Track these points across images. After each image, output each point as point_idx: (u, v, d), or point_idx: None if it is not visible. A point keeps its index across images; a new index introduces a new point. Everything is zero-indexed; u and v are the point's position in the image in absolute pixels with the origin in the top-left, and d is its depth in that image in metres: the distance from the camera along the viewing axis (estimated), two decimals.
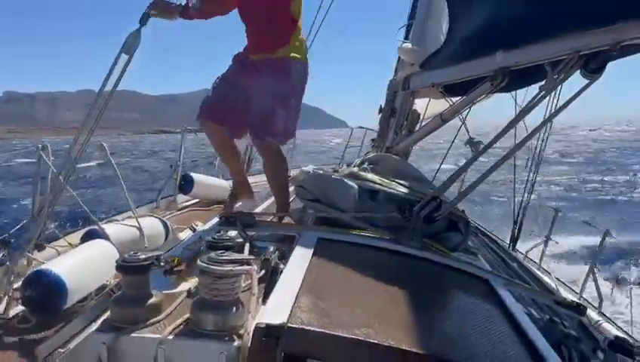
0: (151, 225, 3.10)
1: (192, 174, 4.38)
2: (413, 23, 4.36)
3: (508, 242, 4.72)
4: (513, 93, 3.74)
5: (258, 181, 5.77)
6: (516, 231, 4.88)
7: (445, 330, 1.63)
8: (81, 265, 2.23)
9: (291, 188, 4.01)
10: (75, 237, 2.97)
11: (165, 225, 3.27)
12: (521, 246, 4.88)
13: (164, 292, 1.66)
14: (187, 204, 4.39)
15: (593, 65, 2.07)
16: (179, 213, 4.07)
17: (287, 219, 2.80)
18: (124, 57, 2.63)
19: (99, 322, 1.51)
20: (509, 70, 2.76)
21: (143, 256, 1.50)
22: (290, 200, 3.44)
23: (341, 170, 4.43)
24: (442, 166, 4.98)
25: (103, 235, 2.65)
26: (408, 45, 4.04)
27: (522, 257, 4.04)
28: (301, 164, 6.01)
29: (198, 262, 1.45)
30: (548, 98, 2.90)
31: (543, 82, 2.51)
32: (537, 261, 4.31)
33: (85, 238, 2.68)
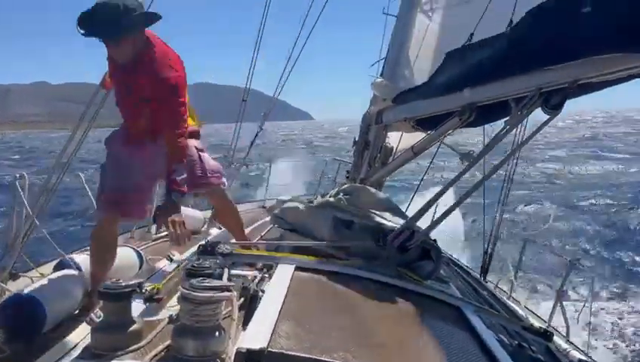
0: (125, 255, 3.09)
1: None
2: (387, 58, 4.54)
3: (479, 272, 4.83)
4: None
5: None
6: (487, 261, 5.00)
7: (419, 356, 1.68)
8: (55, 293, 2.22)
9: (268, 218, 4.06)
10: (48, 267, 2.94)
11: (139, 255, 3.25)
12: (492, 277, 5.00)
13: (145, 319, 1.68)
14: (162, 234, 4.37)
15: (553, 102, 2.21)
16: (153, 243, 4.04)
17: (262, 248, 2.84)
18: None
19: (79, 349, 1.52)
20: (476, 106, 2.91)
21: (125, 283, 1.52)
22: (267, 229, 3.49)
23: (316, 200, 4.51)
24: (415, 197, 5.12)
25: (74, 265, 2.64)
26: (382, 81, 4.19)
27: (493, 287, 4.14)
28: (276, 195, 6.07)
29: (180, 288, 1.48)
30: (515, 129, 3.07)
31: (508, 118, 2.67)
32: (507, 290, 4.42)
33: (57, 268, 2.66)
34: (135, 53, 2.41)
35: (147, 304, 1.87)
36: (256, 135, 5.80)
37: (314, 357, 1.41)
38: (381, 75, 4.67)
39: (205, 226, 4.62)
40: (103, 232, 2.62)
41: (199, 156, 2.84)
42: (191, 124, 2.78)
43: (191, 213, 4.77)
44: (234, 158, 5.52)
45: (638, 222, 12.67)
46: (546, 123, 2.32)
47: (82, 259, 2.79)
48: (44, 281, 2.58)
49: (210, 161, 2.94)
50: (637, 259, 10.03)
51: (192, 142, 2.80)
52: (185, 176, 2.48)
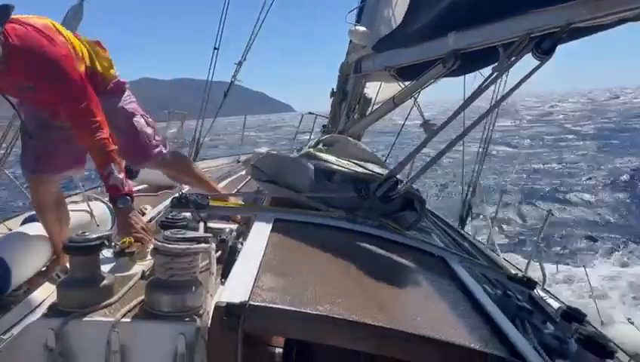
0: (96, 208, 2.96)
1: None
2: (365, 5, 4.35)
3: (457, 223, 4.84)
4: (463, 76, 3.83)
5: (206, 166, 5.65)
6: (465, 212, 5.02)
7: (406, 305, 1.63)
8: (21, 248, 2.10)
9: (244, 171, 3.95)
10: (15, 222, 2.80)
11: (111, 210, 3.13)
12: (469, 228, 5.03)
13: (116, 274, 1.58)
14: (134, 189, 4.23)
15: (545, 47, 2.11)
16: None
17: (239, 200, 2.74)
18: None
19: (44, 307, 1.42)
20: (461, 53, 2.80)
21: (93, 236, 1.41)
22: (245, 181, 3.38)
23: (293, 154, 4.39)
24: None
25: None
26: (360, 27, 4.03)
27: (471, 237, 4.16)
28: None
29: (153, 240, 1.38)
30: (496, 82, 2.98)
31: (494, 64, 2.57)
32: (485, 241, 4.45)
33: (26, 223, 2.53)
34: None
35: (118, 258, 1.76)
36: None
37: (298, 309, 1.33)
38: (357, 21, 4.50)
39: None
40: (37, 194, 2.47)
41: (133, 125, 2.56)
42: (111, 74, 2.53)
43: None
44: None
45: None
46: (535, 69, 2.23)
47: None
48: (10, 236, 2.45)
49: (144, 126, 2.62)
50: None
51: (121, 104, 2.53)
52: (122, 176, 2.14)
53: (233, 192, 3.04)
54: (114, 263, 1.75)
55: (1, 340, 1.34)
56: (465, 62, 2.86)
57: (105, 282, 1.42)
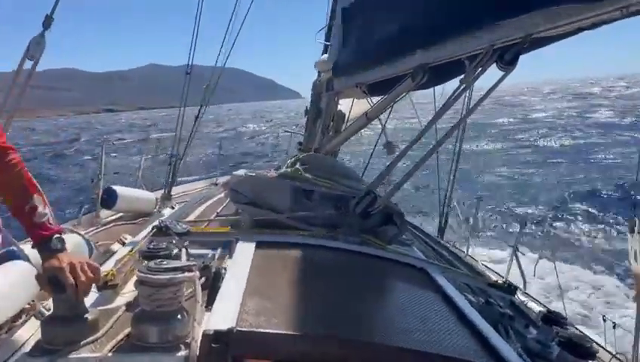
0: (72, 242, 2.91)
1: (115, 187, 4.17)
2: (333, 24, 4.43)
3: (436, 234, 4.91)
4: (432, 89, 3.91)
5: (183, 191, 5.62)
6: (442, 222, 5.09)
7: (391, 319, 1.66)
8: (1, 287, 2.05)
9: (222, 195, 3.94)
10: None
11: (88, 242, 3.08)
12: (448, 237, 5.11)
13: (100, 308, 1.57)
14: (111, 218, 4.18)
15: (508, 57, 2.19)
16: (103, 228, 3.86)
17: (219, 225, 2.73)
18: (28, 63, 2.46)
19: (29, 346, 1.40)
20: (429, 67, 2.87)
21: None
22: (224, 204, 3.38)
23: (271, 173, 4.40)
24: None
25: (22, 256, 2.44)
26: (322, 58, 4.13)
27: (451, 246, 4.22)
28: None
29: (137, 272, 1.38)
30: (464, 95, 3.06)
31: (461, 76, 2.64)
32: (464, 250, 4.51)
33: (2, 260, 2.47)
34: None
35: (101, 292, 1.75)
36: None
37: (284, 332, 1.35)
38: (326, 39, 4.58)
39: (157, 207, 4.45)
40: None
41: None
42: None
43: (141, 195, 4.60)
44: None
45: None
46: (501, 80, 2.31)
47: (30, 249, 2.61)
48: None
49: None
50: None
51: None
52: (47, 211, 1.60)
53: (212, 217, 3.03)
54: (97, 296, 1.74)
55: None
56: (433, 76, 2.94)
57: (90, 317, 1.41)
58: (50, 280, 1.40)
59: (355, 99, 4.40)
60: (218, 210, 3.33)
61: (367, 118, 3.66)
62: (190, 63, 5.06)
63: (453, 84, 3.34)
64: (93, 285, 1.66)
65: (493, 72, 2.47)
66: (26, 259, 2.47)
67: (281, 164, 6.14)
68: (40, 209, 1.58)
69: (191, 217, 3.16)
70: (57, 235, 1.57)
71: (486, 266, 4.05)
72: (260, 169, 6.36)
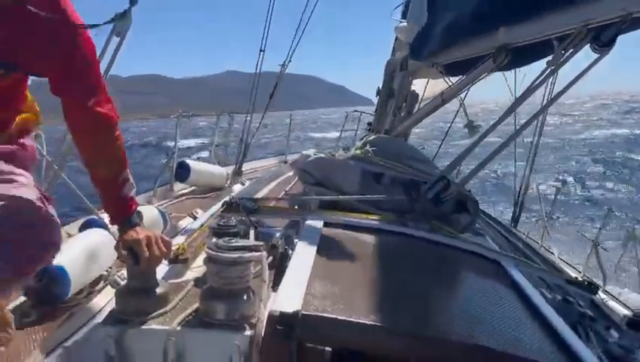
0: (148, 214, 3.02)
1: (188, 161, 4.30)
2: (411, 1, 4.28)
3: (509, 222, 4.70)
4: (513, 71, 3.70)
5: (252, 168, 5.71)
6: (517, 211, 4.87)
7: (461, 313, 1.58)
8: (81, 254, 2.16)
9: (291, 173, 3.96)
10: (74, 227, 2.89)
11: (163, 214, 3.19)
12: (522, 227, 4.88)
13: (170, 281, 1.61)
14: (184, 191, 4.32)
15: (604, 38, 2.01)
16: (176, 201, 3.99)
17: (287, 204, 2.74)
18: (115, 40, 2.51)
19: (104, 314, 1.46)
20: (512, 47, 2.70)
21: None
22: (292, 183, 3.39)
23: (338, 153, 4.37)
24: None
25: (102, 224, 2.56)
26: (405, 24, 3.96)
27: (524, 237, 4.02)
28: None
29: (206, 249, 1.39)
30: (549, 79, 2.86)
31: (547, 58, 2.46)
32: (539, 241, 4.30)
33: (83, 228, 2.60)
34: None
35: (171, 265, 1.79)
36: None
37: (350, 318, 1.32)
38: (403, 16, 4.43)
39: (228, 182, 4.55)
40: None
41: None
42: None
43: (213, 170, 4.71)
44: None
45: None
46: (594, 63, 2.13)
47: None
48: (69, 242, 2.53)
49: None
50: None
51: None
52: (133, 185, 1.61)
53: (281, 195, 3.05)
54: (167, 269, 1.78)
55: (64, 348, 1.38)
56: (516, 56, 2.77)
57: (160, 290, 1.45)
58: (128, 252, 1.45)
59: (431, 80, 4.25)
60: (286, 189, 3.35)
61: (443, 100, 3.52)
62: (257, 80, 4.99)
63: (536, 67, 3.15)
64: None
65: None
66: (105, 227, 2.60)
67: (350, 145, 6.10)
68: (131, 180, 1.60)
69: (259, 194, 3.20)
70: (137, 210, 1.60)
71: (564, 261, 3.83)
72: (328, 149, 6.37)
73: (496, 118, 2.43)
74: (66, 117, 1.55)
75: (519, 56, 2.78)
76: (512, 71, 3.72)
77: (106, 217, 2.67)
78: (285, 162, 6.18)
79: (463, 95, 3.78)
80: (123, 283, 1.56)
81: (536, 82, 2.35)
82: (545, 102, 3.25)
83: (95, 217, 2.66)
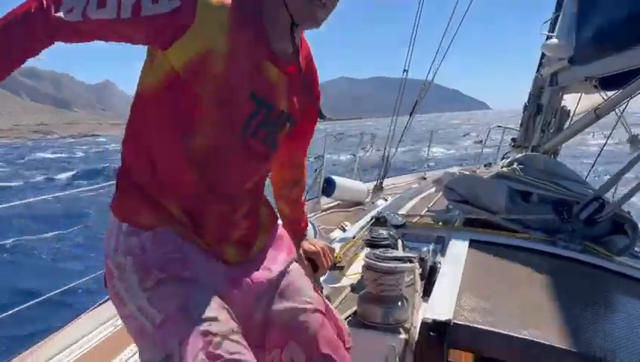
0: None
1: (334, 177, 4.57)
2: (560, 15, 4.13)
3: None
4: None
5: (392, 183, 5.84)
6: None
7: (619, 338, 1.55)
8: None
9: (433, 190, 4.03)
10: None
11: (313, 225, 3.45)
12: None
13: (329, 286, 1.80)
14: (330, 205, 4.59)
15: None
16: (323, 213, 4.26)
17: (432, 220, 2.82)
18: None
19: None
20: None
21: None
22: (434, 200, 3.46)
23: (480, 170, 4.32)
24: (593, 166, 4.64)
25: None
26: (554, 41, 3.83)
27: None
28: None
29: (365, 258, 1.56)
30: None
31: None
32: None
33: None
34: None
35: (330, 271, 1.99)
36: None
37: (500, 331, 1.38)
38: (550, 30, 4.27)
39: (369, 197, 4.74)
40: None
41: None
42: None
43: (356, 185, 4.94)
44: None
45: None
46: None
47: None
48: None
49: None
50: None
51: None
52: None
53: (423, 212, 3.14)
54: (327, 275, 1.98)
55: None
56: None
57: (325, 292, 1.64)
58: (308, 262, 1.55)
59: (583, 95, 4.04)
60: (429, 205, 3.42)
61: (597, 115, 3.35)
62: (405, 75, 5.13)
63: None
64: None
65: None
66: None
67: (492, 162, 5.95)
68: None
69: (403, 210, 3.32)
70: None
71: None
72: (470, 165, 6.27)
73: None
74: None
75: None
76: None
77: None
78: (424, 178, 6.22)
79: (621, 108, 3.55)
80: None
81: None
82: None
83: None
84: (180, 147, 1.09)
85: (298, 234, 1.53)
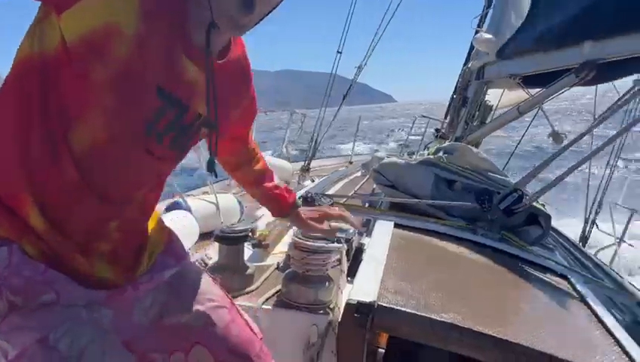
0: (226, 202, 3.20)
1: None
2: (491, 11, 4.26)
3: (578, 241, 4.57)
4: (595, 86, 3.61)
5: (319, 165, 5.85)
6: (587, 229, 4.72)
7: (530, 321, 1.62)
8: None
9: (358, 173, 4.06)
10: (160, 206, 3.10)
11: (239, 203, 3.36)
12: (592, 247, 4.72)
13: (253, 264, 1.74)
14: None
15: None
16: None
17: (358, 202, 2.83)
18: None
19: None
20: (598, 63, 2.67)
21: (240, 228, 1.57)
22: (360, 184, 3.48)
23: (404, 158, 4.40)
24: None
25: (186, 207, 2.75)
26: (485, 35, 3.95)
27: (594, 256, 3.91)
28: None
29: (292, 237, 1.51)
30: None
31: (634, 76, 2.42)
32: (607, 262, 4.15)
33: (168, 210, 2.80)
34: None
35: (254, 249, 1.93)
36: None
37: (423, 314, 1.39)
38: (478, 25, 4.42)
39: (297, 178, 4.71)
40: None
41: None
42: None
43: (279, 163, 4.89)
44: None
45: None
46: None
47: (191, 202, 2.90)
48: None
49: None
50: None
51: None
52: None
53: (350, 194, 3.15)
54: (250, 253, 1.93)
55: None
56: (600, 72, 2.72)
57: (248, 270, 1.58)
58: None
59: (506, 90, 4.21)
60: (355, 188, 3.44)
61: (519, 112, 3.50)
62: (331, 81, 5.19)
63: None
64: (248, 242, 1.85)
65: None
66: (189, 209, 2.79)
67: (415, 151, 6.11)
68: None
69: (330, 191, 3.31)
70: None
71: (632, 285, 3.70)
72: (393, 153, 6.40)
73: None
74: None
75: (603, 72, 2.74)
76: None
77: (188, 200, 2.86)
78: (350, 162, 6.28)
79: (546, 105, 3.72)
80: (210, 262, 1.71)
81: (622, 100, 2.32)
82: (627, 122, 3.17)
83: (179, 200, 2.86)
84: (52, 138, 0.88)
85: (285, 207, 1.42)
